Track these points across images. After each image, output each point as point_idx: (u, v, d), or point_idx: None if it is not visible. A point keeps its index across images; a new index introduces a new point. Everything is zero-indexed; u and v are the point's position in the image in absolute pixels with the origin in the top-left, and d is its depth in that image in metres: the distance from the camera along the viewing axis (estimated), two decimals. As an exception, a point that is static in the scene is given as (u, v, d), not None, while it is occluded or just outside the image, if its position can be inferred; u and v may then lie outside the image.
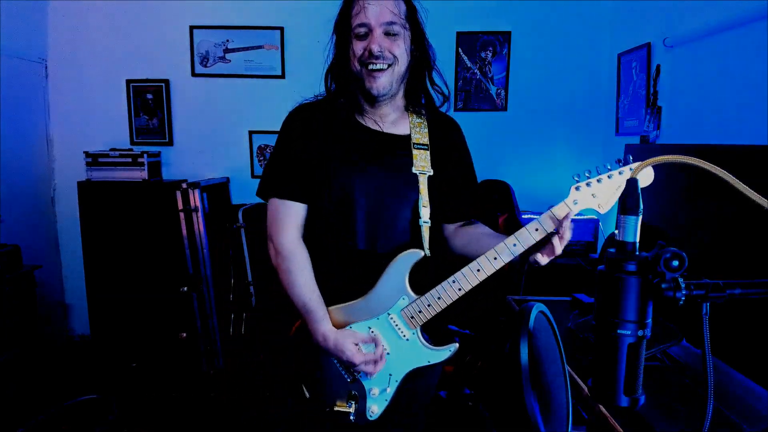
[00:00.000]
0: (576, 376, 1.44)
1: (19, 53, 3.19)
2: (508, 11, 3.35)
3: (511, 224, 2.81)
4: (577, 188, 1.17)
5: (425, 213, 1.28)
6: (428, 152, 1.31)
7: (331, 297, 1.29)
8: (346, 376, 1.28)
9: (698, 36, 2.31)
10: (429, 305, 1.23)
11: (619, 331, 0.64)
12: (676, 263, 0.61)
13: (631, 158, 1.15)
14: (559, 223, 1.16)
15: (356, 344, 1.25)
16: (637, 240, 0.65)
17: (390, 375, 1.26)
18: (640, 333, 0.64)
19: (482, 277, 1.21)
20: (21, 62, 3.22)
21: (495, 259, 1.19)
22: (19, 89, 3.21)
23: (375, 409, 1.26)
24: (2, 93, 3.02)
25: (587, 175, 1.17)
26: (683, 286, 0.61)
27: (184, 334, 3.14)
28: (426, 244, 1.28)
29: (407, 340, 1.26)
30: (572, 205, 1.17)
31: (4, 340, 2.64)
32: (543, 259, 1.20)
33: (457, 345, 1.27)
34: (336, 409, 1.27)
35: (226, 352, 3.12)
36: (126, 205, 3.16)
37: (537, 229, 1.17)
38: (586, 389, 1.38)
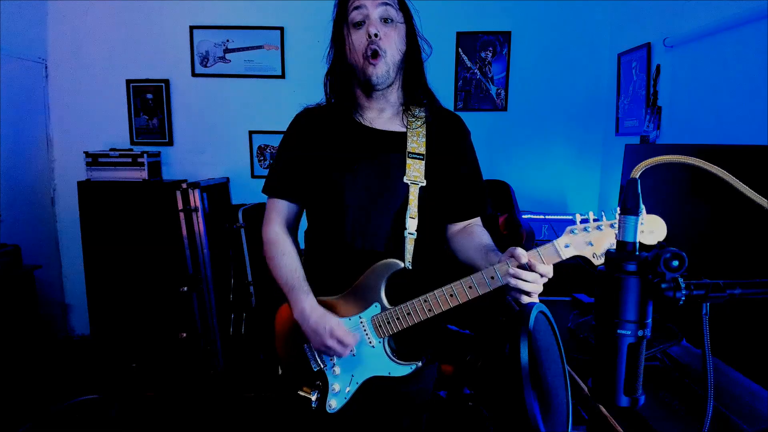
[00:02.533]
0: (576, 376, 1.44)
1: (19, 53, 3.19)
2: (508, 11, 3.35)
3: (511, 224, 2.80)
4: (572, 231, 1.07)
5: (412, 225, 1.25)
6: (423, 162, 1.27)
7: (314, 289, 1.30)
8: (313, 365, 1.30)
9: (698, 36, 2.31)
10: (398, 318, 1.21)
11: (619, 331, 0.64)
12: (676, 263, 0.61)
13: (644, 209, 0.99)
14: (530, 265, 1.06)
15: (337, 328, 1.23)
16: (637, 240, 0.65)
17: (352, 376, 1.27)
18: (640, 333, 0.64)
19: (455, 303, 1.16)
20: (21, 62, 3.22)
21: (470, 288, 1.14)
22: (19, 89, 3.21)
23: (333, 404, 1.27)
24: (2, 93, 3.02)
25: (595, 218, 1.06)
26: (683, 286, 0.61)
27: (184, 334, 3.14)
28: (408, 256, 1.25)
29: (373, 347, 1.25)
30: (563, 248, 1.07)
31: (4, 340, 2.64)
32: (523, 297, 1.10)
33: (420, 364, 1.24)
34: (300, 393, 1.30)
35: (226, 352, 3.12)
36: (126, 205, 3.16)
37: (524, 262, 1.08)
38: (586, 389, 1.38)
